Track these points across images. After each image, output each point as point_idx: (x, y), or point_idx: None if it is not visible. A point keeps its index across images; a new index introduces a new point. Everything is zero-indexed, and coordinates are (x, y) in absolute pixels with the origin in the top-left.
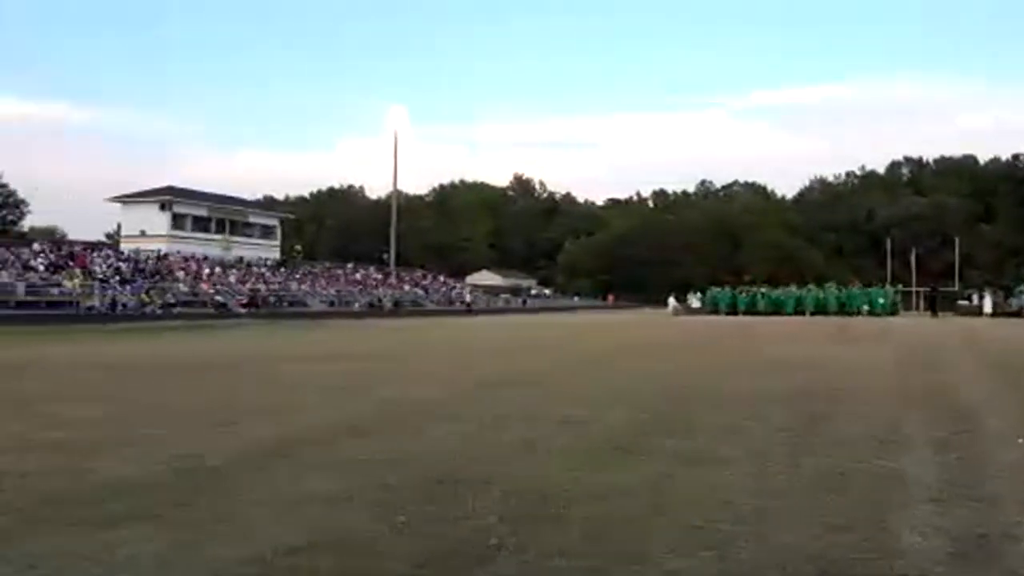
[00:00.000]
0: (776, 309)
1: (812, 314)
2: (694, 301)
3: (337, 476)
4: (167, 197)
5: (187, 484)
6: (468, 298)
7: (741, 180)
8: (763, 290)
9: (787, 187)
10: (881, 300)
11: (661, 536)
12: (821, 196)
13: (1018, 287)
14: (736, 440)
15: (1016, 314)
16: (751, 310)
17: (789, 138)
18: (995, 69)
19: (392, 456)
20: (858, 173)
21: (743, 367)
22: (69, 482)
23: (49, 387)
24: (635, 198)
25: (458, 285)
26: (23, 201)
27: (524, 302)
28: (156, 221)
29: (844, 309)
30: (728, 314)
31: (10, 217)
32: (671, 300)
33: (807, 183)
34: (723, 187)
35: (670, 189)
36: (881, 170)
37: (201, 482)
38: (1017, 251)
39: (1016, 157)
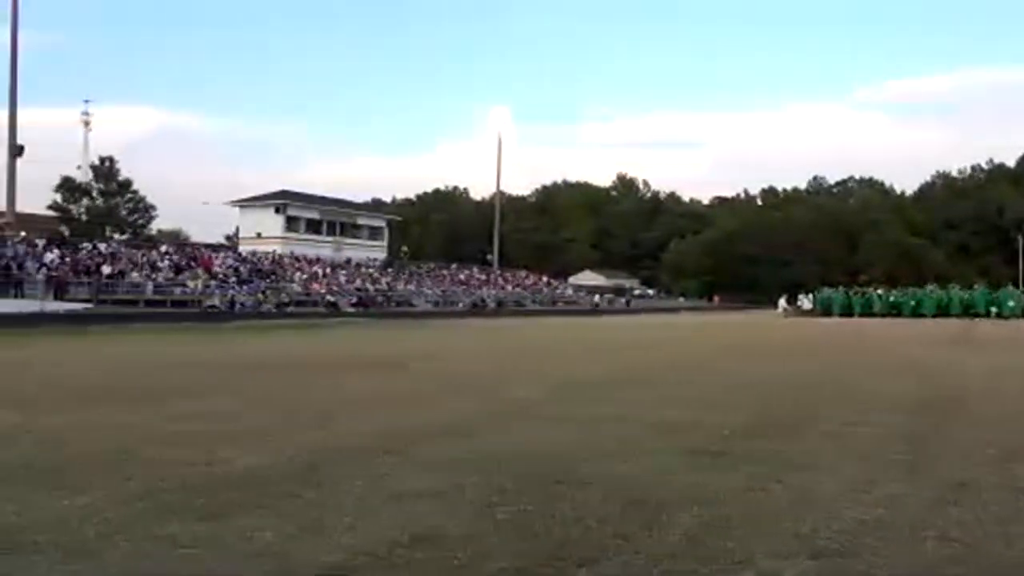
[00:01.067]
0: (894, 311)
1: (933, 317)
2: (805, 302)
3: (440, 473)
4: (281, 201)
5: (300, 477)
6: (597, 300)
7: (856, 176)
8: (879, 291)
9: (906, 183)
10: (1011, 302)
11: (765, 543)
12: (944, 192)
13: None
14: (846, 446)
15: None
16: (867, 312)
17: (908, 131)
18: None
19: (493, 455)
20: (985, 167)
21: (855, 371)
22: (195, 472)
23: (182, 382)
24: (742, 196)
25: (561, 285)
26: (151, 206)
27: (628, 303)
28: (271, 224)
29: (968, 311)
30: (842, 316)
31: (140, 221)
32: (781, 301)
33: (928, 178)
34: (837, 183)
35: (780, 186)
36: (1011, 163)
37: (312, 475)
38: None
39: None
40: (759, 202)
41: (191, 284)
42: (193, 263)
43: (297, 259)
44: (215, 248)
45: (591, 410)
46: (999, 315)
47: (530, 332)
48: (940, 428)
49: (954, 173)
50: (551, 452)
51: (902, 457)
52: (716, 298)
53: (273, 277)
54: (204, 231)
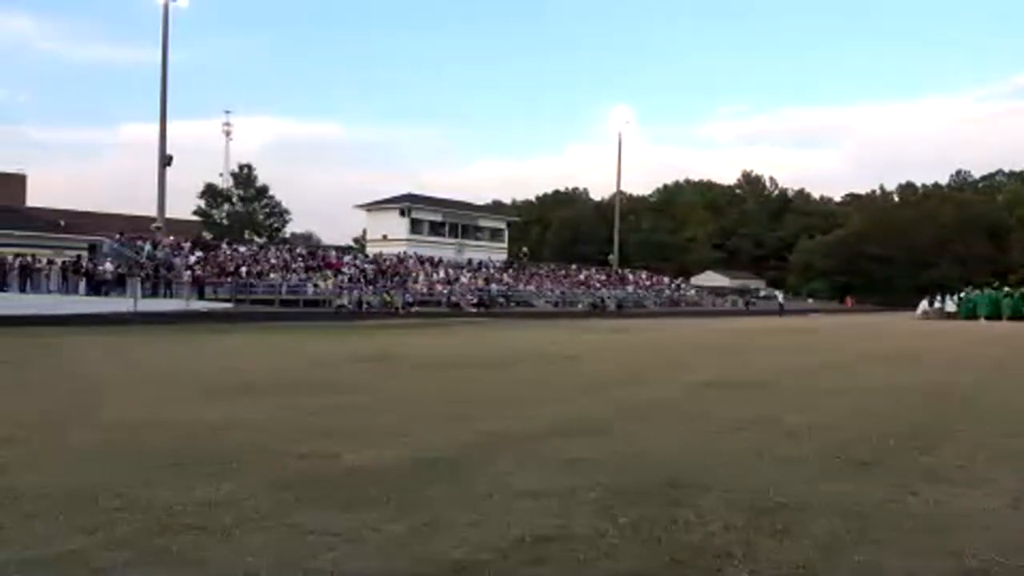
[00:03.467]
0: None
1: None
2: (949, 304)
3: (565, 473)
4: (406, 204)
5: (423, 473)
6: (780, 298)
7: (1006, 169)
8: None
9: None
10: None
11: (909, 558)
12: None
13: None
14: (995, 459)
15: None
16: (1017, 315)
17: None
18: None
19: (618, 456)
20: None
21: (1003, 379)
22: (321, 465)
23: (323, 377)
24: (877, 192)
25: (683, 286)
26: (286, 210)
27: (747, 304)
28: (396, 226)
29: None
30: (988, 319)
31: (275, 224)
32: (923, 303)
33: None
34: (983, 177)
35: (919, 181)
36: None
37: (440, 472)
38: None
39: None
40: (896, 199)
41: (321, 285)
42: (323, 264)
43: (421, 260)
44: (344, 250)
45: (722, 413)
46: None
47: (655, 333)
48: None
49: None
50: (677, 455)
51: None
52: (849, 300)
53: (398, 278)
54: (334, 233)
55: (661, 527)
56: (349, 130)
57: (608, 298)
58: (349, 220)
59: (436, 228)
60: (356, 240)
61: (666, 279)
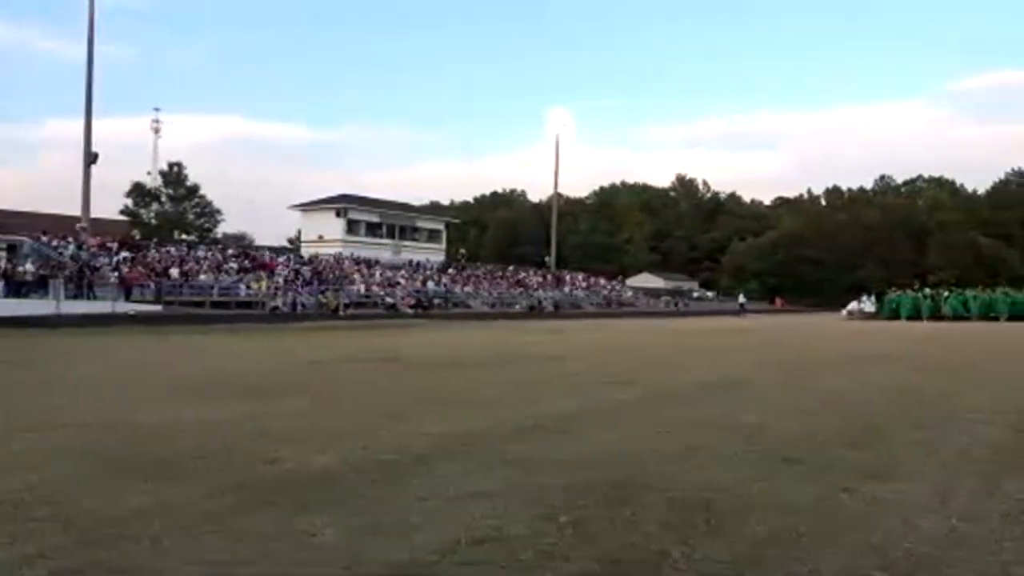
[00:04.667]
0: (964, 315)
1: (1007, 320)
2: (868, 305)
3: (507, 475)
4: (342, 204)
5: (367, 477)
6: (742, 299)
7: (926, 175)
8: (946, 294)
9: (979, 181)
10: None
11: (834, 554)
12: (1019, 190)
13: None
14: (926, 456)
15: None
16: (935, 316)
17: (981, 128)
18: None
19: (553, 458)
20: None
21: (932, 378)
22: (263, 469)
23: (265, 381)
24: (806, 196)
25: (619, 287)
26: (218, 210)
27: (676, 305)
28: (332, 227)
29: None
30: (909, 320)
31: (206, 225)
32: (852, 304)
33: (1002, 176)
34: (905, 182)
35: (845, 186)
36: None
37: (375, 475)
38: None
39: None
40: (823, 203)
41: (255, 286)
42: (258, 265)
43: (357, 261)
44: (279, 251)
45: (661, 415)
46: None
47: (588, 336)
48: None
49: None
50: (618, 456)
51: (987, 468)
52: (779, 301)
53: (334, 279)
54: (269, 234)
55: (601, 527)
56: (284, 129)
57: (545, 299)
58: (284, 220)
59: (373, 229)
60: (291, 241)
61: (603, 280)
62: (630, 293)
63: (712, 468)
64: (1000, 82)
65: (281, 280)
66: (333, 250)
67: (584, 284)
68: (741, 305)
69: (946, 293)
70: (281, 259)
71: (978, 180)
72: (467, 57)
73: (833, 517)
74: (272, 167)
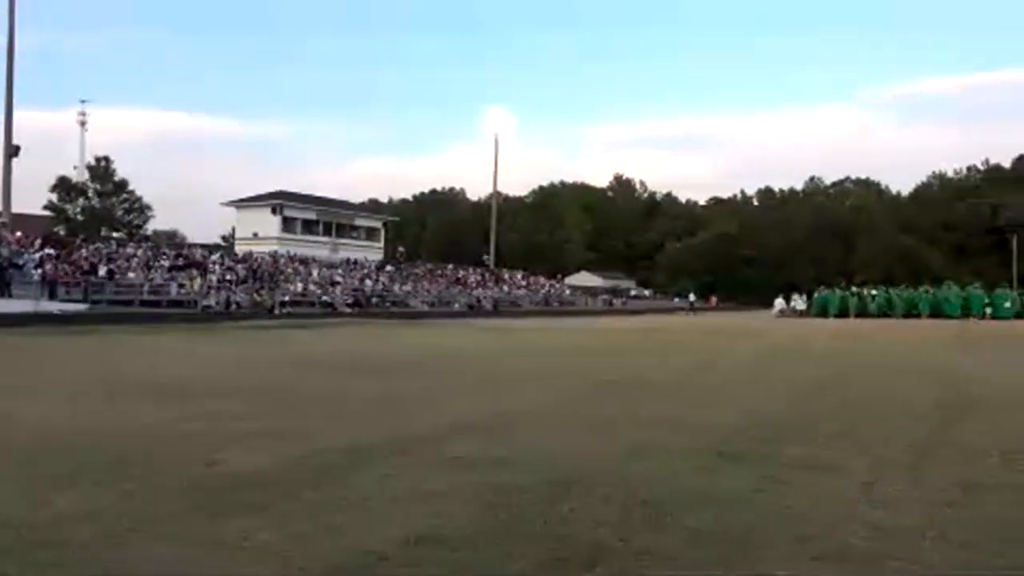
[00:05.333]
0: (889, 312)
1: (928, 317)
2: (799, 303)
3: (446, 474)
4: (278, 201)
5: (306, 478)
6: (692, 298)
7: (853, 177)
8: (873, 292)
9: (902, 183)
10: (1006, 304)
11: (771, 544)
12: (940, 192)
13: None
14: (855, 448)
15: None
16: (862, 313)
17: (906, 132)
18: None
19: (500, 456)
20: (981, 168)
21: (861, 374)
22: (202, 473)
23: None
24: (739, 197)
25: (558, 286)
26: (148, 206)
27: (610, 303)
28: (268, 224)
29: (964, 312)
30: (837, 317)
31: (136, 221)
32: (778, 301)
33: (924, 179)
34: (834, 184)
35: (776, 187)
36: (1007, 164)
37: (318, 476)
38: None
39: None
40: (756, 203)
41: (187, 285)
42: (190, 263)
43: (293, 259)
44: (212, 248)
45: (602, 412)
46: (995, 316)
47: (521, 335)
48: (948, 431)
49: (950, 174)
50: (558, 454)
51: (911, 458)
52: (713, 299)
53: (269, 277)
54: (201, 231)
55: (540, 523)
56: (218, 124)
57: (484, 298)
58: (217, 217)
59: (309, 227)
60: (225, 238)
61: (542, 279)
62: (568, 292)
63: (651, 463)
64: (922, 90)
65: (214, 279)
66: (268, 248)
67: (523, 283)
68: (691, 303)
69: (873, 292)
70: (214, 257)
71: (902, 182)
72: (405, 55)
73: (768, 509)
74: (205, 163)
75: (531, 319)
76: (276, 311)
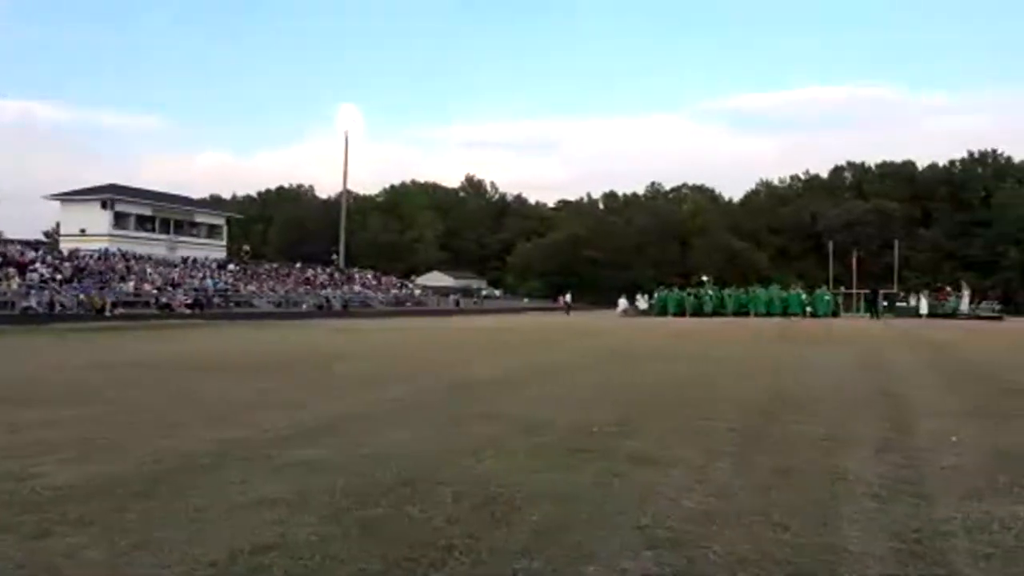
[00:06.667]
0: (722, 311)
1: (756, 315)
2: (642, 303)
3: (291, 478)
4: (109, 195)
5: (129, 490)
6: (568, 298)
7: (689, 183)
8: (709, 292)
9: (734, 190)
10: (824, 302)
11: (611, 536)
12: (767, 199)
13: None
14: (688, 441)
15: (950, 316)
16: (698, 312)
17: (737, 143)
18: (932, 78)
19: (344, 459)
20: (802, 177)
21: (697, 370)
22: (18, 487)
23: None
24: (586, 200)
25: (409, 286)
26: None
27: (457, 303)
28: (97, 220)
29: (787, 311)
30: (675, 316)
31: None
32: (621, 301)
33: (753, 186)
34: (672, 189)
35: (620, 191)
36: (825, 174)
37: (152, 486)
38: (952, 254)
39: (952, 163)
40: (601, 206)
41: (4, 284)
42: (7, 262)
43: (126, 257)
44: (33, 245)
45: (449, 411)
46: (813, 315)
47: (369, 335)
48: (772, 422)
49: (776, 182)
50: (404, 454)
51: (738, 449)
52: (561, 299)
53: (99, 277)
54: (20, 227)
55: (389, 526)
56: (42, 111)
57: (334, 298)
58: (39, 212)
59: (144, 223)
60: (47, 234)
61: (394, 279)
62: (420, 292)
63: (498, 461)
64: (749, 103)
65: (36, 278)
66: (98, 245)
67: (374, 282)
68: (567, 304)
69: (709, 292)
70: (35, 254)
71: (733, 189)
72: (251, 47)
73: (607, 502)
74: (24, 152)
75: (382, 319)
76: (107, 312)
